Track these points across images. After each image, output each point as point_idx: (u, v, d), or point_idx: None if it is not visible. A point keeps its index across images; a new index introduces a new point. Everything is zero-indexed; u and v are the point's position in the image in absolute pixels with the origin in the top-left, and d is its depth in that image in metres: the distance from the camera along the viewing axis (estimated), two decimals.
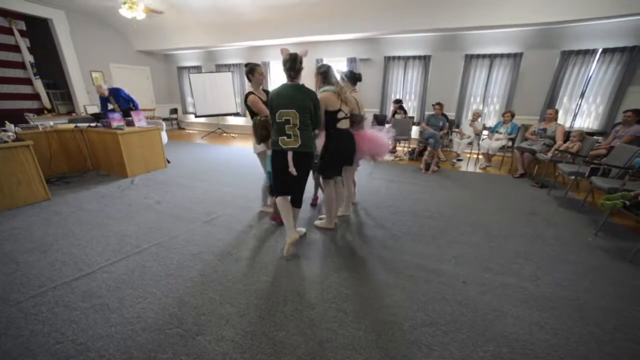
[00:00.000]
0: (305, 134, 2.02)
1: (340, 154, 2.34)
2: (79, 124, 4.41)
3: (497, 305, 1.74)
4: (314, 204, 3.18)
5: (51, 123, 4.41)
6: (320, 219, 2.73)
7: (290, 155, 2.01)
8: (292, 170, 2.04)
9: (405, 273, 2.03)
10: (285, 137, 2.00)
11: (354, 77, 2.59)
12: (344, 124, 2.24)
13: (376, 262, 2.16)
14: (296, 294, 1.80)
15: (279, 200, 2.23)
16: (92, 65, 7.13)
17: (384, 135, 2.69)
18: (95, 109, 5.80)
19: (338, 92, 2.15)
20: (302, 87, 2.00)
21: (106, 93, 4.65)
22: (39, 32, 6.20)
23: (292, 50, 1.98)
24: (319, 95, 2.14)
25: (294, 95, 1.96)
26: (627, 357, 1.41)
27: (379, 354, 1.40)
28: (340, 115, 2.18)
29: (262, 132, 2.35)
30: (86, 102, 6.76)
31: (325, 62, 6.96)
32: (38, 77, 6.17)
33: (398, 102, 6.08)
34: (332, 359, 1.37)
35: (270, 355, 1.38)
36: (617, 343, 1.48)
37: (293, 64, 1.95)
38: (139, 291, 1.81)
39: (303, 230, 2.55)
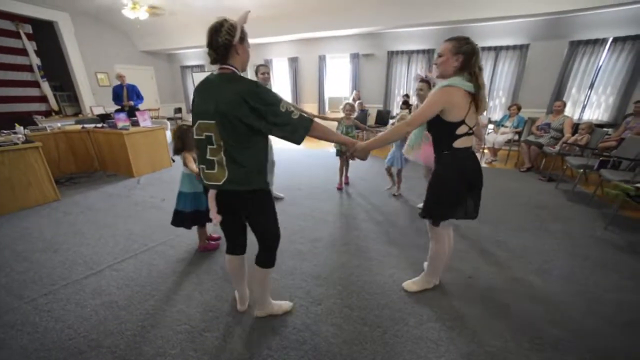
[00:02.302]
0: (241, 159, 1.16)
1: (463, 186, 1.47)
2: (85, 125, 4.47)
3: (504, 300, 1.72)
4: (340, 188, 3.05)
5: (59, 125, 4.47)
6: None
7: (212, 194, 1.25)
8: (214, 218, 1.28)
9: (411, 268, 2.02)
10: (205, 166, 1.20)
11: None
12: (464, 142, 1.42)
13: (381, 257, 2.16)
14: (302, 291, 1.81)
15: (226, 259, 1.53)
16: (97, 66, 7.22)
17: None
18: (100, 109, 5.87)
19: (475, 92, 1.33)
20: (231, 76, 1.14)
21: (124, 82, 5.34)
22: (45, 35, 6.27)
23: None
24: (436, 90, 1.37)
25: (214, 90, 1.14)
26: (639, 351, 1.39)
27: (384, 349, 1.40)
28: (462, 130, 1.38)
29: (177, 143, 1.94)
30: (92, 103, 6.83)
31: (328, 58, 6.88)
32: (45, 79, 6.27)
33: (406, 97, 6.05)
34: (338, 354, 1.38)
35: (277, 351, 1.40)
36: (628, 338, 1.46)
37: (212, 36, 1.12)
38: (147, 289, 1.84)
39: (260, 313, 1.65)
